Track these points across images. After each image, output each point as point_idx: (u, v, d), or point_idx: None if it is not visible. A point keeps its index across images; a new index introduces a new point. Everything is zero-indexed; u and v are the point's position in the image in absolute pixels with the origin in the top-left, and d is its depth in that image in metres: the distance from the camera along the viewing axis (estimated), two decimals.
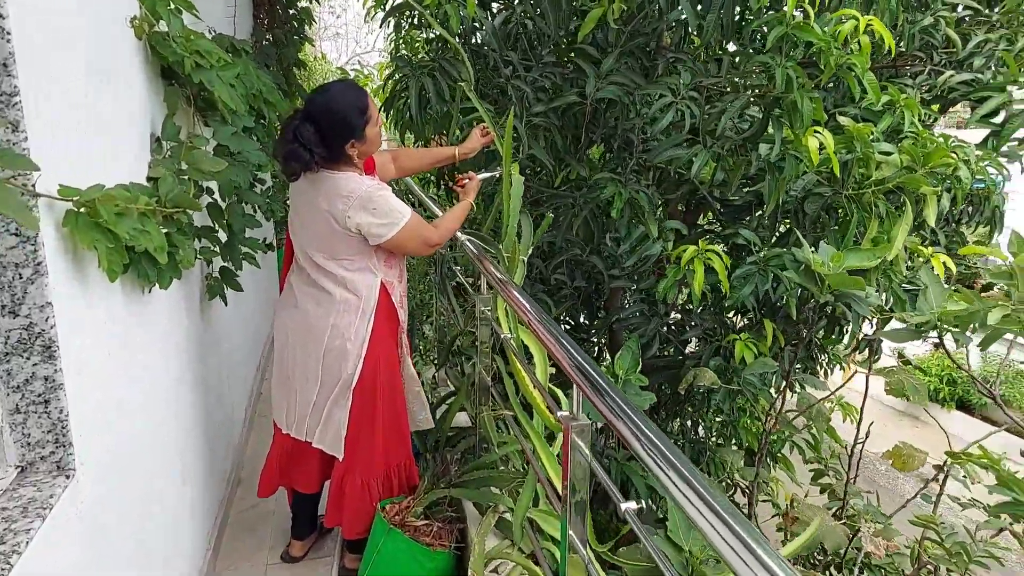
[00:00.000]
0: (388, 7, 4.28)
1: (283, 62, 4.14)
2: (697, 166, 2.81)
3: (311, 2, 4.58)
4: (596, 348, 4.90)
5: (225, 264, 2.37)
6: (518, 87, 3.02)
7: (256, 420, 3.34)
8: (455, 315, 2.99)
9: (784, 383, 3.93)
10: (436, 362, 3.16)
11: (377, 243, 2.00)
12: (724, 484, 4.80)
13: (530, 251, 2.34)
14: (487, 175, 2.36)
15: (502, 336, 2.05)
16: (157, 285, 1.65)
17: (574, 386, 1.37)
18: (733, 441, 5.14)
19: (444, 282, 2.99)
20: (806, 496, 4.11)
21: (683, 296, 4.27)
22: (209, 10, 2.64)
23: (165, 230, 1.61)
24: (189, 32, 1.93)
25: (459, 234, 2.37)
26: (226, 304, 2.47)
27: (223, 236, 2.35)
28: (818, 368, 4.87)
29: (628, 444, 1.12)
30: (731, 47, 3.11)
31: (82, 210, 1.26)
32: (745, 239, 3.62)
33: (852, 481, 3.77)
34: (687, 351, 4.20)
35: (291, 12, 4.34)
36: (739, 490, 4.80)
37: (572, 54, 3.34)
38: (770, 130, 2.88)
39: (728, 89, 2.88)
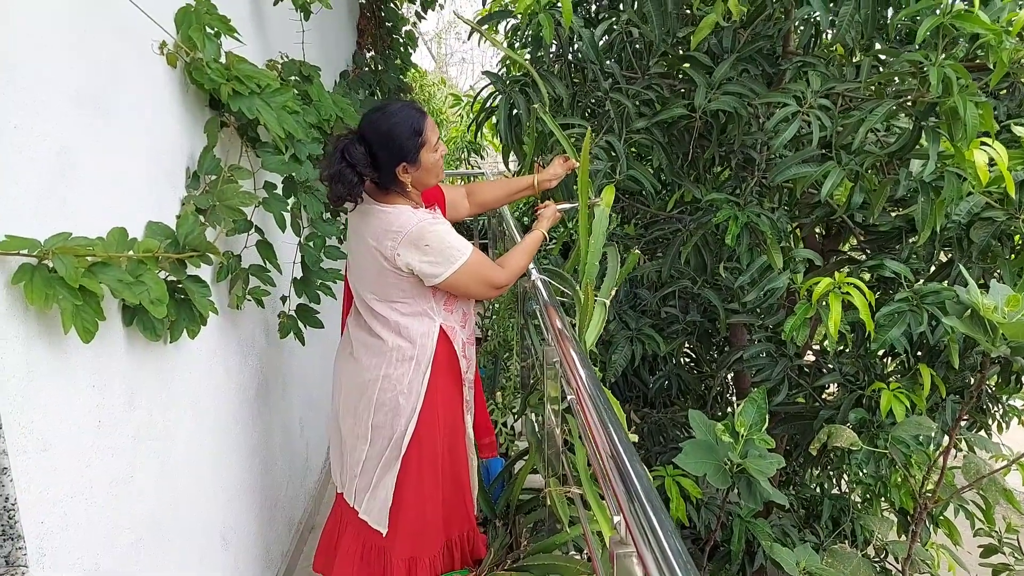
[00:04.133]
0: (479, 23, 4.10)
1: (384, 86, 4.04)
2: (828, 186, 2.34)
3: (416, 27, 4.48)
4: (716, 391, 4.41)
5: (302, 301, 2.23)
6: (617, 101, 2.69)
7: None
8: (536, 359, 2.68)
9: (947, 440, 3.29)
10: (515, 411, 2.86)
11: (433, 284, 1.75)
12: (868, 554, 4.13)
13: (613, 293, 1.99)
14: (569, 205, 2.05)
15: (569, 396, 1.72)
16: (169, 338, 1.48)
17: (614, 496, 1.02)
18: (883, 499, 4.43)
19: (526, 320, 2.69)
20: None
21: (819, 336, 3.72)
22: (283, 35, 2.53)
23: (175, 278, 1.44)
24: (235, 58, 1.78)
25: (534, 271, 2.06)
26: (303, 343, 2.30)
27: (295, 271, 2.21)
28: (989, 422, 4.10)
29: None
30: (876, 45, 2.61)
31: (43, 263, 1.08)
32: (893, 272, 3.06)
33: None
34: (823, 397, 3.64)
35: (394, 37, 4.25)
36: (892, 556, 4.11)
37: (684, 64, 2.96)
38: (923, 143, 2.37)
39: (869, 95, 2.40)
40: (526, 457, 2.30)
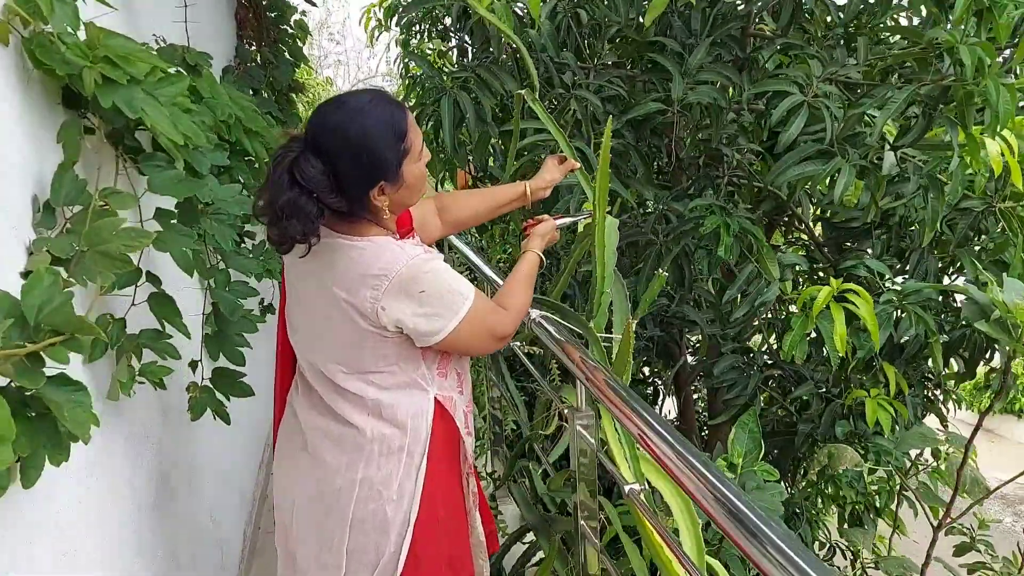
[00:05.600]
0: (398, 16, 3.58)
1: (276, 86, 3.42)
2: (841, 186, 2.03)
3: (306, 15, 3.87)
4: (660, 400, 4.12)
5: (220, 363, 1.64)
6: (582, 99, 2.26)
7: (262, 542, 2.57)
8: (516, 407, 2.21)
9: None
10: (495, 478, 2.36)
11: (427, 344, 1.25)
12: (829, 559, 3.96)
13: (633, 326, 1.56)
14: (569, 220, 1.59)
15: (625, 486, 1.27)
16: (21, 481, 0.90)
17: None
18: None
19: (497, 363, 2.21)
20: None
21: (773, 343, 3.49)
22: (155, 16, 1.92)
23: (25, 385, 0.86)
24: (99, 32, 1.20)
25: (533, 311, 1.59)
26: (228, 422, 1.69)
27: (205, 324, 1.62)
28: (945, 410, 4.05)
29: None
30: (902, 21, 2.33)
31: None
32: (869, 271, 2.84)
33: None
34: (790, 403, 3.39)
35: (282, 28, 3.63)
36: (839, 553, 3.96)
37: (640, 51, 2.59)
38: (935, 133, 2.12)
39: (872, 81, 2.11)
40: (524, 542, 1.82)
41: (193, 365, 1.64)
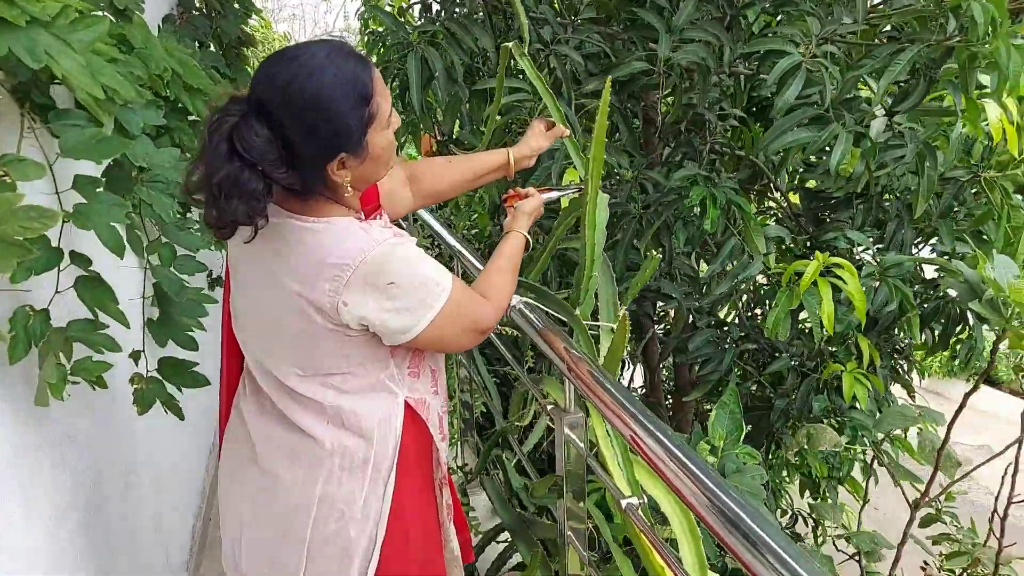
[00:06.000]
0: None
1: (222, 39, 3.13)
2: (838, 154, 1.89)
3: None
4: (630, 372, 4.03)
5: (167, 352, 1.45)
6: (563, 56, 2.07)
7: (212, 535, 2.39)
8: (488, 393, 2.05)
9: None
10: (466, 471, 2.21)
11: (398, 342, 1.08)
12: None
13: (623, 313, 1.42)
14: (556, 194, 1.42)
15: (621, 500, 1.13)
16: None
17: None
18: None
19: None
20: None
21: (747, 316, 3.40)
22: None
23: None
24: None
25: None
26: (182, 416, 1.50)
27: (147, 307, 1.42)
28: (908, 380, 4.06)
29: None
30: None
31: None
32: (849, 241, 2.75)
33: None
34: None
35: None
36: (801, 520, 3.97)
37: (620, 6, 2.40)
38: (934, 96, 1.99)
39: (871, 41, 1.97)
40: (499, 541, 1.69)
41: (136, 356, 1.45)
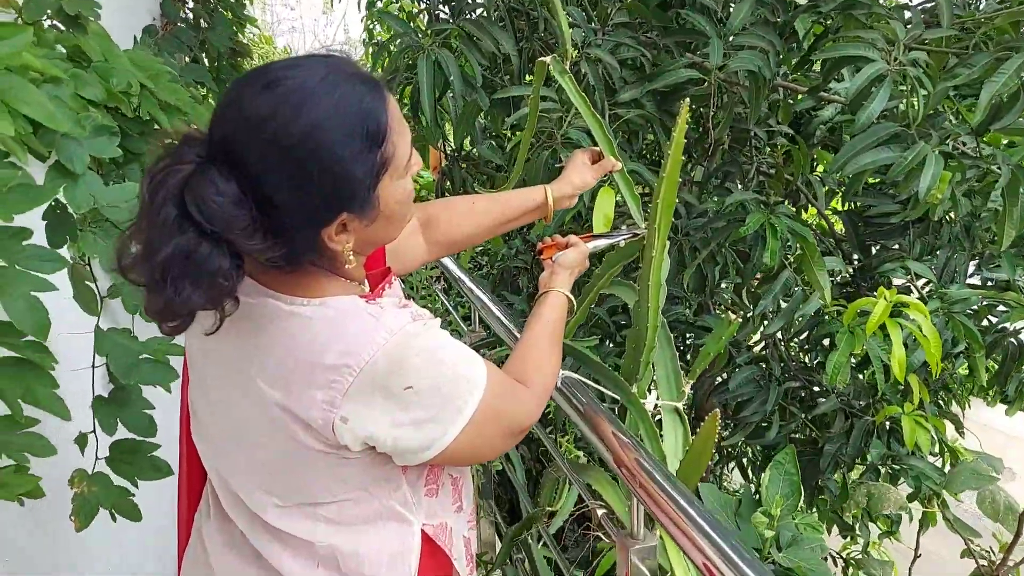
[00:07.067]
0: None
1: (212, 51, 2.86)
2: (928, 179, 1.60)
3: None
4: None
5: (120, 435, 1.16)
6: (596, 60, 1.78)
7: None
8: (512, 464, 1.75)
9: None
10: (486, 560, 1.88)
11: (414, 463, 0.78)
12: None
13: (687, 390, 1.13)
14: (606, 242, 1.13)
15: None
16: None
17: None
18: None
19: None
20: None
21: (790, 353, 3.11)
22: None
23: None
24: None
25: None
26: (138, 517, 1.20)
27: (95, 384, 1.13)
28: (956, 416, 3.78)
29: None
30: None
31: None
32: (906, 272, 2.49)
33: None
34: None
35: None
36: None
37: (655, 11, 2.12)
38: None
39: (964, 48, 1.68)
40: None
41: (82, 442, 1.15)
